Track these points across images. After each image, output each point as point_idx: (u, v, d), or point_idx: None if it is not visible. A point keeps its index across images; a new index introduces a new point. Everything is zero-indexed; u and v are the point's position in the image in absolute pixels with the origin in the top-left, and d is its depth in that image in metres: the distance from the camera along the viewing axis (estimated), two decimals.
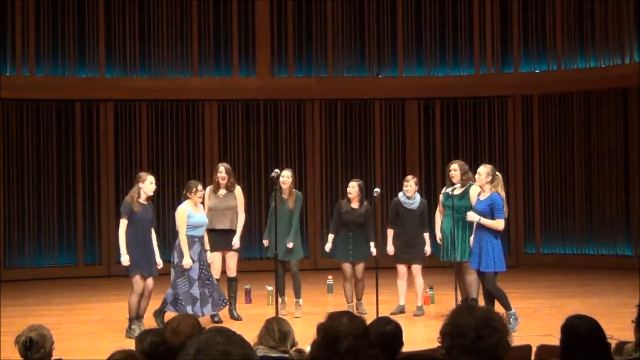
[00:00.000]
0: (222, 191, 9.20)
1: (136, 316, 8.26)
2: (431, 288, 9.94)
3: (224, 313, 9.06)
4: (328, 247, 9.30)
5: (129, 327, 8.25)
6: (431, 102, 14.07)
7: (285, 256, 9.17)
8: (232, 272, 9.15)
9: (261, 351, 4.17)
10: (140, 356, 3.66)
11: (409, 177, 9.42)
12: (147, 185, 8.34)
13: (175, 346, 3.69)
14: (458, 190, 8.88)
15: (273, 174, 8.67)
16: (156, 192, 8.65)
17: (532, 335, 7.07)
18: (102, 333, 8.56)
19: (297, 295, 9.24)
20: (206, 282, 8.56)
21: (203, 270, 8.55)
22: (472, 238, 8.46)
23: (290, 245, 9.16)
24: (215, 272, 8.98)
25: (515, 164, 13.97)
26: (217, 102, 13.69)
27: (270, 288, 9.94)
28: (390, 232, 9.32)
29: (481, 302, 8.11)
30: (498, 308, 7.72)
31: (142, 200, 8.32)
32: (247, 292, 10.41)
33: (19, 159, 13.03)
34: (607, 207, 13.30)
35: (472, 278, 8.75)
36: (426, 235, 9.26)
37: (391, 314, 8.67)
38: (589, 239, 13.47)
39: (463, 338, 2.81)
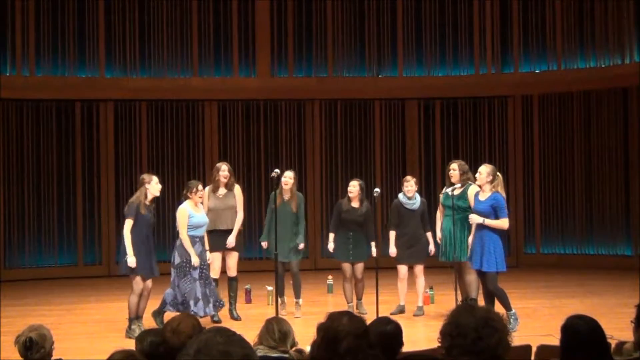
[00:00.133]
0: (222, 191, 9.20)
1: (136, 316, 8.27)
2: (431, 288, 9.94)
3: (224, 313, 9.06)
4: (331, 247, 9.28)
5: (129, 327, 8.25)
6: (431, 102, 14.07)
7: (286, 257, 9.17)
8: (232, 271, 9.15)
9: (261, 351, 4.17)
10: (140, 356, 3.66)
11: (409, 177, 9.41)
12: (154, 185, 8.37)
13: (175, 346, 3.69)
14: (457, 191, 8.88)
15: (273, 174, 8.65)
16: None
17: (532, 335, 7.07)
18: (102, 333, 8.56)
19: (297, 295, 9.24)
20: (206, 282, 8.56)
21: (204, 270, 8.56)
22: (470, 238, 8.45)
23: (301, 246, 9.24)
24: (215, 272, 8.98)
25: (515, 164, 13.97)
26: (217, 102, 13.69)
27: (270, 288, 9.94)
28: (392, 234, 9.30)
29: (481, 302, 8.11)
30: (498, 308, 7.72)
31: (148, 201, 8.35)
32: (247, 292, 10.41)
33: (19, 159, 13.04)
34: (607, 207, 13.30)
35: (471, 278, 8.75)
36: (429, 235, 9.26)
37: (391, 314, 8.67)
38: (589, 239, 13.47)
39: (463, 338, 2.81)
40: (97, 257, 13.32)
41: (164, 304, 8.50)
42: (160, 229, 12.39)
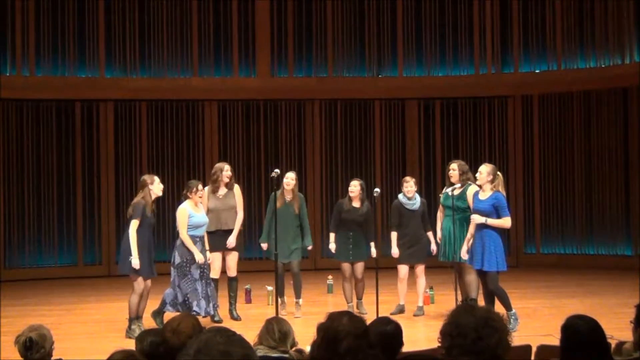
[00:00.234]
0: (222, 191, 9.19)
1: (136, 316, 8.27)
2: (431, 288, 9.94)
3: (224, 313, 9.06)
4: (332, 247, 9.26)
5: (129, 327, 8.25)
6: (431, 102, 14.07)
7: (287, 257, 9.17)
8: (232, 271, 9.15)
9: (261, 351, 4.16)
10: (140, 356, 3.66)
11: (408, 177, 9.41)
12: (157, 185, 8.40)
13: (175, 346, 3.69)
14: (457, 191, 8.87)
15: (273, 174, 8.65)
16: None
17: (532, 335, 7.07)
18: (102, 333, 8.56)
19: (298, 295, 9.24)
20: (207, 281, 8.57)
21: (204, 270, 8.56)
22: (471, 240, 8.42)
23: (310, 247, 9.32)
24: (215, 272, 8.98)
25: (515, 164, 13.97)
26: (217, 102, 13.70)
27: (270, 288, 9.94)
28: (393, 235, 9.28)
29: (481, 302, 8.11)
30: (498, 308, 7.72)
31: (152, 203, 8.38)
32: (247, 292, 10.41)
33: (19, 159, 13.03)
34: (607, 207, 13.30)
35: (471, 278, 8.75)
36: (430, 234, 9.26)
37: (391, 314, 8.67)
38: (589, 239, 13.47)
39: (463, 338, 2.81)
40: (97, 257, 13.32)
41: (163, 304, 8.50)
42: (160, 229, 12.40)
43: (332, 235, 9.33)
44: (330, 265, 10.83)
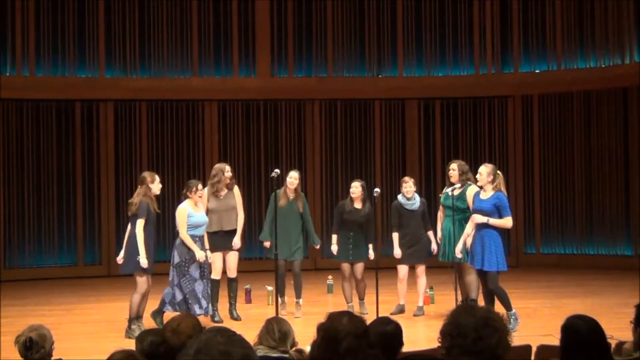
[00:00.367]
0: (223, 192, 9.18)
1: (136, 316, 8.27)
2: (431, 288, 9.93)
3: (224, 313, 9.06)
4: (334, 249, 9.25)
5: (129, 327, 8.25)
6: (431, 102, 14.07)
7: (292, 256, 9.18)
8: (232, 272, 9.14)
9: (261, 351, 4.16)
10: (140, 356, 3.66)
11: (407, 178, 9.40)
12: (156, 185, 8.42)
13: (176, 346, 3.69)
14: (457, 191, 8.87)
15: (273, 174, 8.65)
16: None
17: (532, 335, 7.07)
18: (102, 333, 8.56)
19: (298, 295, 9.25)
20: (208, 281, 8.56)
21: (204, 270, 8.55)
22: (468, 239, 8.41)
23: (318, 246, 9.44)
24: (216, 273, 8.98)
25: (515, 164, 13.97)
26: (217, 102, 13.70)
27: (270, 288, 9.94)
28: (395, 236, 9.27)
29: (481, 302, 8.11)
30: (498, 308, 7.72)
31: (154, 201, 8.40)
32: (247, 292, 10.41)
33: (19, 159, 13.04)
34: (607, 207, 13.30)
35: (471, 278, 8.74)
36: (430, 234, 9.25)
37: (391, 314, 8.67)
38: (589, 239, 13.47)
39: (463, 338, 2.81)
40: (97, 257, 13.32)
41: (163, 304, 8.49)
42: (160, 229, 12.38)
43: (334, 237, 9.32)
44: (330, 265, 10.82)
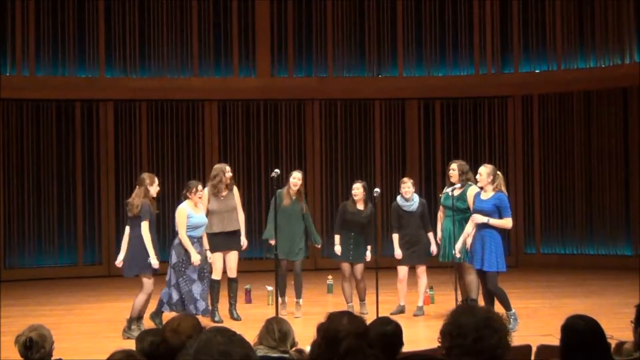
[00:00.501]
0: (224, 192, 9.17)
1: (137, 317, 8.26)
2: (431, 288, 9.93)
3: (224, 313, 9.06)
4: (338, 249, 9.25)
5: (128, 327, 8.24)
6: (431, 102, 14.07)
7: (295, 256, 9.20)
8: (232, 272, 9.14)
9: (261, 351, 4.16)
10: (140, 356, 3.66)
11: (405, 179, 9.40)
12: (155, 187, 8.41)
13: (176, 346, 3.69)
14: (457, 191, 8.86)
15: (273, 174, 8.66)
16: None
17: (532, 335, 7.07)
18: (102, 333, 8.56)
19: (298, 295, 9.25)
20: (207, 282, 8.56)
21: (204, 271, 8.55)
22: (468, 238, 8.41)
23: (319, 245, 9.47)
24: (217, 273, 8.98)
25: (515, 164, 13.97)
26: (217, 102, 13.70)
27: (270, 288, 9.94)
28: (395, 237, 9.28)
29: (481, 302, 8.11)
30: (498, 308, 7.72)
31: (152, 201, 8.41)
32: (247, 292, 10.41)
33: (19, 159, 13.03)
34: (607, 207, 13.29)
35: (472, 278, 8.74)
36: (430, 235, 9.25)
37: (391, 314, 8.67)
38: (589, 239, 13.47)
39: (463, 338, 2.81)
40: (97, 257, 13.32)
41: (161, 304, 8.49)
42: (160, 229, 12.36)
43: (336, 238, 9.32)
44: (330, 265, 10.82)
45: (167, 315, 7.87)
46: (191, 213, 8.53)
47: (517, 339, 3.95)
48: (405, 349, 4.12)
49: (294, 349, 4.29)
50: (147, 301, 8.32)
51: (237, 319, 9.07)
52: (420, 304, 9.27)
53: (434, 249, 9.21)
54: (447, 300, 9.37)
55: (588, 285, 11.49)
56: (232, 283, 9.14)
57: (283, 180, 9.70)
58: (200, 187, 8.69)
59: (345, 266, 9.24)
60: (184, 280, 8.39)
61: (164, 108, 13.61)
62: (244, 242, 9.19)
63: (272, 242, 9.20)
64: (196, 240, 8.53)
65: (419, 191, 9.48)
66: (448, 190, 8.89)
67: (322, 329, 3.32)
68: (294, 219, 9.18)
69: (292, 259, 9.23)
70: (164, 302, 8.45)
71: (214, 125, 13.68)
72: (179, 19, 13.55)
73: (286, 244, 9.05)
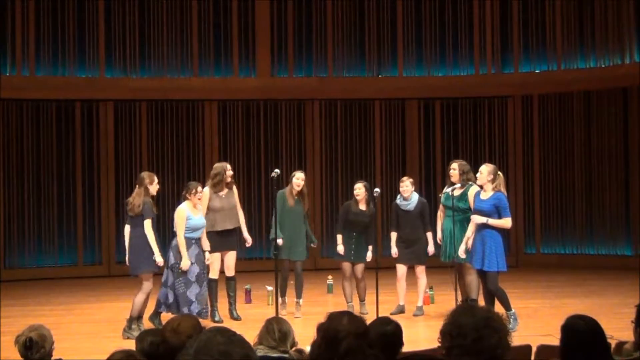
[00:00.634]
0: (224, 190, 9.17)
1: (137, 316, 8.26)
2: (431, 288, 9.93)
3: (224, 313, 9.06)
4: (341, 249, 9.25)
5: (128, 327, 8.24)
6: (431, 102, 14.07)
7: (300, 256, 9.21)
8: (230, 271, 9.14)
9: (261, 351, 4.16)
10: (140, 356, 3.66)
11: (404, 178, 9.40)
12: (154, 187, 8.41)
13: (175, 346, 3.69)
14: (458, 191, 8.86)
15: (273, 174, 8.65)
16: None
17: (532, 335, 7.07)
18: (102, 333, 8.56)
19: (299, 295, 9.26)
20: (203, 283, 8.54)
21: (203, 273, 8.53)
22: (470, 240, 8.41)
23: (315, 245, 9.52)
24: (214, 273, 8.97)
25: (515, 164, 13.97)
26: (217, 102, 13.70)
27: (270, 288, 9.94)
28: (393, 235, 9.30)
29: (481, 302, 8.10)
30: (498, 308, 7.72)
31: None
32: (247, 292, 10.41)
33: (19, 159, 13.03)
34: (607, 207, 13.29)
35: (471, 278, 8.74)
36: (429, 235, 9.24)
37: (391, 314, 8.67)
38: (589, 239, 13.47)
39: (463, 338, 2.81)
40: (97, 257, 13.32)
41: (158, 305, 8.48)
42: (160, 229, 12.36)
43: (339, 237, 9.33)
44: (330, 265, 10.83)
45: (166, 315, 7.87)
46: (190, 215, 8.51)
47: (517, 339, 3.95)
48: (405, 349, 4.12)
49: (294, 349, 4.29)
50: (146, 300, 8.32)
51: (237, 318, 9.07)
52: (420, 304, 9.27)
53: (431, 249, 9.21)
54: (447, 300, 9.37)
55: (588, 285, 11.49)
56: (230, 282, 9.13)
57: (283, 180, 9.70)
58: (199, 188, 8.68)
59: (346, 266, 9.24)
60: (180, 282, 8.37)
61: (164, 108, 13.60)
62: (247, 237, 9.20)
63: (280, 241, 9.17)
64: (194, 242, 8.51)
65: (419, 191, 9.47)
66: (448, 190, 8.89)
67: (322, 329, 3.32)
68: (297, 219, 9.20)
69: (294, 258, 9.24)
70: (162, 303, 8.44)
71: (214, 125, 13.68)
72: (179, 19, 13.55)
73: (290, 244, 9.07)
